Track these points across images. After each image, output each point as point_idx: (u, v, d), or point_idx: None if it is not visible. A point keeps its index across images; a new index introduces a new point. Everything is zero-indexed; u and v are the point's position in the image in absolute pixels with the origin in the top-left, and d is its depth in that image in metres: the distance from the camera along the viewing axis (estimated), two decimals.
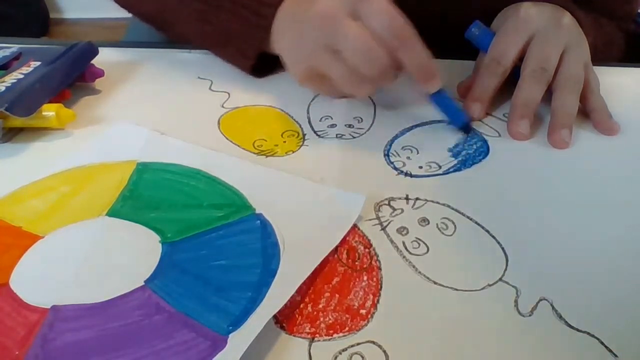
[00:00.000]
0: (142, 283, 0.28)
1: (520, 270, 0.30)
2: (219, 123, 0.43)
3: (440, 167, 0.38)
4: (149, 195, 0.34)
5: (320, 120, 0.43)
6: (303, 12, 0.39)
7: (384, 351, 0.25)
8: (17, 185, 0.35)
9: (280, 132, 0.42)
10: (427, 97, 0.41)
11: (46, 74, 0.42)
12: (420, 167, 0.38)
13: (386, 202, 0.34)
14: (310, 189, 0.35)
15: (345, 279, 0.29)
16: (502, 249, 0.31)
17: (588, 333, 0.26)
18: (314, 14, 0.38)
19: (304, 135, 0.41)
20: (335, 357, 0.25)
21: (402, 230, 0.32)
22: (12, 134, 0.41)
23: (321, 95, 0.46)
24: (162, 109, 0.45)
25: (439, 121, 0.43)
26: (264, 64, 0.47)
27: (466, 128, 0.42)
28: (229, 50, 0.49)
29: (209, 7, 0.47)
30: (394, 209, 0.34)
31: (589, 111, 0.43)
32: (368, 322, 0.27)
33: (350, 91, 0.41)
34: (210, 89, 0.48)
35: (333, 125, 0.43)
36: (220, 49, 0.50)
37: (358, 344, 0.26)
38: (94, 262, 0.30)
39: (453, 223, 0.33)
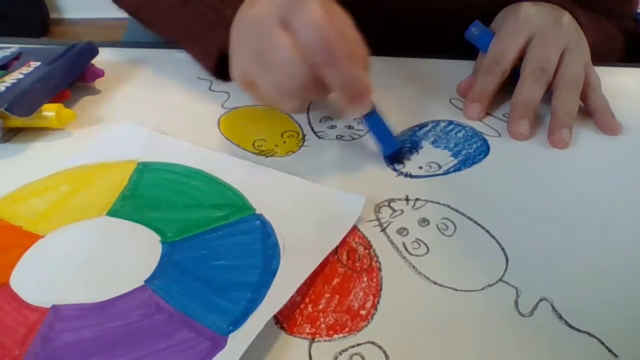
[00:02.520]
0: (142, 283, 0.28)
1: (520, 270, 0.30)
2: (219, 123, 0.43)
3: (440, 167, 0.38)
4: (149, 195, 0.34)
5: (320, 121, 0.43)
6: (244, 14, 0.37)
7: (384, 352, 0.25)
8: (17, 185, 0.35)
9: (280, 132, 0.42)
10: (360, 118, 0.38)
11: (46, 74, 0.42)
12: (420, 168, 0.38)
13: (386, 203, 0.34)
14: (310, 190, 0.35)
15: (346, 279, 0.29)
16: (502, 249, 0.31)
17: (588, 333, 0.26)
18: (248, 18, 0.36)
19: (304, 135, 0.41)
20: (336, 358, 0.25)
21: (402, 231, 0.32)
22: (12, 134, 0.41)
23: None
24: (162, 109, 0.45)
25: (439, 121, 0.43)
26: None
27: (396, 157, 0.38)
28: (194, 47, 0.49)
29: (176, 3, 0.47)
30: (394, 210, 0.34)
31: (591, 111, 0.43)
32: (368, 322, 0.27)
33: (276, 105, 0.38)
34: (210, 89, 0.48)
35: (333, 126, 0.43)
36: (186, 45, 0.50)
37: (358, 344, 0.26)
38: (94, 261, 0.30)
39: (453, 223, 0.33)
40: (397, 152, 0.38)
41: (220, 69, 0.46)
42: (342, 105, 0.36)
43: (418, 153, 0.38)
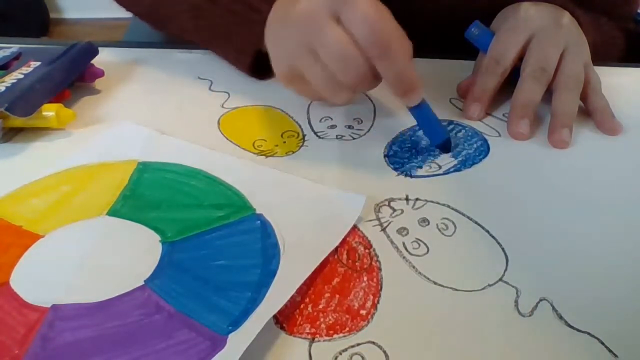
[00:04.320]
0: (142, 283, 0.28)
1: (520, 270, 0.30)
2: (219, 123, 0.43)
3: (440, 167, 0.38)
4: (150, 195, 0.34)
5: (320, 121, 0.43)
6: (289, 9, 0.37)
7: (384, 351, 0.25)
8: (17, 184, 0.35)
9: (280, 132, 0.42)
10: (408, 109, 0.39)
11: (46, 74, 0.42)
12: (420, 168, 0.38)
13: (386, 202, 0.34)
14: (310, 190, 0.35)
15: (346, 279, 0.29)
16: (502, 249, 0.31)
17: (588, 333, 0.26)
18: (297, 12, 0.36)
19: (304, 135, 0.41)
20: (336, 358, 0.25)
21: (402, 231, 0.32)
22: (12, 134, 0.41)
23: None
24: (162, 109, 0.45)
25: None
26: (265, 65, 0.45)
27: (445, 147, 0.40)
28: (225, 46, 0.48)
29: (203, 2, 0.46)
30: (394, 210, 0.34)
31: (591, 111, 0.43)
32: (368, 322, 0.27)
33: (327, 96, 0.39)
34: (210, 89, 0.48)
35: (333, 126, 0.43)
36: (216, 45, 0.50)
37: (358, 344, 0.26)
38: (94, 261, 0.30)
39: (453, 223, 0.33)
40: (445, 141, 0.39)
41: (254, 67, 0.46)
42: (395, 96, 0.37)
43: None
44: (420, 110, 0.39)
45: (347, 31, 0.34)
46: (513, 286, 0.29)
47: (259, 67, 0.46)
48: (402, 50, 0.35)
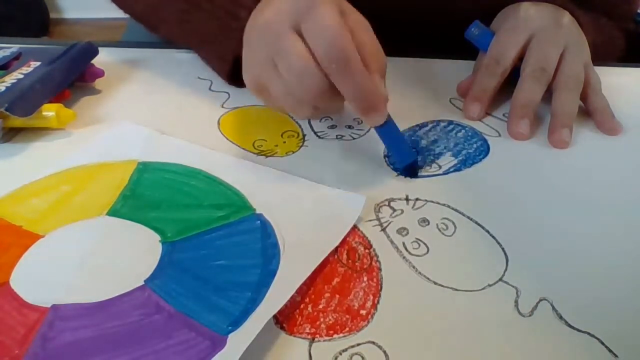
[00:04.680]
0: (142, 283, 0.28)
1: (520, 270, 0.30)
2: (219, 123, 0.43)
3: (440, 167, 0.38)
4: (150, 194, 0.34)
5: (320, 121, 0.43)
6: (257, 18, 0.36)
7: (384, 351, 0.25)
8: (17, 184, 0.35)
9: (280, 132, 0.42)
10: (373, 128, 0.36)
11: (46, 74, 0.42)
12: (420, 168, 0.38)
13: (386, 202, 0.34)
14: (310, 189, 0.35)
15: (346, 279, 0.29)
16: (502, 249, 0.31)
17: (588, 333, 0.26)
18: (261, 22, 0.35)
19: (304, 135, 0.41)
20: (336, 358, 0.25)
21: (402, 231, 0.32)
22: (12, 134, 0.41)
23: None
24: (162, 109, 0.45)
25: (439, 121, 0.43)
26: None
27: (410, 170, 0.37)
28: (208, 52, 0.48)
29: (189, 7, 0.46)
30: (394, 210, 0.34)
31: (591, 111, 0.43)
32: (368, 322, 0.27)
33: (289, 110, 0.37)
34: (210, 89, 0.48)
35: (333, 126, 0.43)
36: (201, 50, 0.50)
37: (358, 344, 0.26)
38: (94, 261, 0.30)
39: (453, 223, 0.33)
40: (412, 163, 0.37)
41: (234, 74, 0.45)
42: (356, 115, 0.35)
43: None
44: (384, 130, 0.36)
45: (307, 44, 0.32)
46: (513, 286, 0.29)
47: (239, 74, 0.45)
48: (364, 65, 0.32)
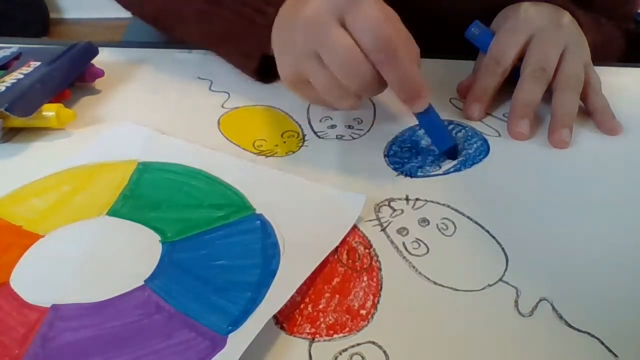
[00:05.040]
0: (142, 282, 0.28)
1: (520, 270, 0.30)
2: (219, 123, 0.43)
3: (440, 167, 0.38)
4: (150, 194, 0.34)
5: (320, 121, 0.43)
6: (295, 13, 0.37)
7: (384, 351, 0.25)
8: (17, 184, 0.35)
9: (280, 132, 0.42)
10: (414, 115, 0.38)
11: (46, 74, 0.42)
12: (420, 168, 0.38)
13: (386, 202, 0.34)
14: (310, 189, 0.35)
15: (346, 279, 0.29)
16: (502, 249, 0.31)
17: (588, 333, 0.26)
18: (302, 16, 0.35)
19: (304, 135, 0.41)
20: (336, 358, 0.25)
21: (402, 231, 0.32)
22: (12, 134, 0.41)
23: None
24: (162, 109, 0.45)
25: None
26: (270, 68, 0.44)
27: (451, 153, 0.39)
28: (231, 50, 0.48)
29: (210, 6, 0.46)
30: (394, 210, 0.34)
31: (591, 111, 0.43)
32: (368, 322, 0.27)
33: (333, 102, 0.38)
34: (210, 89, 0.48)
35: (333, 126, 0.43)
36: (222, 50, 0.49)
37: (358, 344, 0.26)
38: (94, 261, 0.30)
39: (453, 223, 0.33)
40: (452, 147, 0.39)
41: (260, 71, 0.46)
42: (400, 102, 0.36)
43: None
44: (426, 116, 0.38)
45: (352, 35, 0.34)
46: (513, 286, 0.29)
47: (264, 70, 0.46)
48: (409, 55, 0.34)
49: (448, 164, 0.38)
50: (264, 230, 0.31)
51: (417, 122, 0.41)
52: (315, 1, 0.35)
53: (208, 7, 0.46)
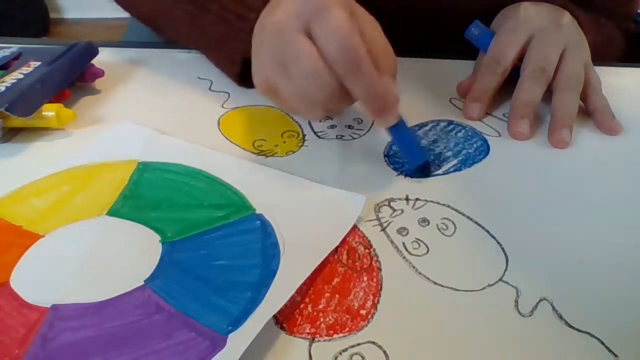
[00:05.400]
0: (142, 282, 0.28)
1: (520, 270, 0.30)
2: (219, 123, 0.43)
3: (440, 167, 0.38)
4: (150, 194, 0.34)
5: (320, 121, 0.43)
6: (266, 20, 0.36)
7: (384, 351, 0.25)
8: (17, 184, 0.35)
9: (280, 132, 0.42)
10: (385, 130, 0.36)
11: (46, 74, 0.42)
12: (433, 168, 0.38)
13: (386, 202, 0.34)
14: (310, 189, 0.35)
15: (346, 279, 0.29)
16: (502, 249, 0.31)
17: (588, 333, 0.26)
18: (270, 24, 0.34)
19: (304, 135, 0.41)
20: (336, 358, 0.25)
21: (402, 231, 0.32)
22: (12, 134, 0.41)
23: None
24: (162, 109, 0.45)
25: (439, 121, 0.43)
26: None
27: (424, 170, 0.37)
28: (216, 54, 0.48)
29: (197, 10, 0.46)
30: (394, 210, 0.34)
31: (591, 111, 0.43)
32: (368, 322, 0.27)
33: (300, 112, 0.37)
34: (210, 89, 0.48)
35: (333, 126, 0.43)
36: (208, 53, 0.50)
37: (358, 344, 0.26)
38: (94, 261, 0.30)
39: (453, 223, 0.33)
40: (425, 164, 0.37)
41: (244, 76, 0.45)
42: (368, 116, 0.34)
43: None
44: (396, 131, 0.36)
45: (317, 45, 0.32)
46: (513, 286, 0.29)
47: (249, 75, 0.46)
48: (383, 66, 0.33)
49: (448, 164, 0.38)
50: (264, 230, 0.31)
51: (417, 123, 0.41)
52: (284, 8, 0.34)
53: (195, 10, 0.46)
